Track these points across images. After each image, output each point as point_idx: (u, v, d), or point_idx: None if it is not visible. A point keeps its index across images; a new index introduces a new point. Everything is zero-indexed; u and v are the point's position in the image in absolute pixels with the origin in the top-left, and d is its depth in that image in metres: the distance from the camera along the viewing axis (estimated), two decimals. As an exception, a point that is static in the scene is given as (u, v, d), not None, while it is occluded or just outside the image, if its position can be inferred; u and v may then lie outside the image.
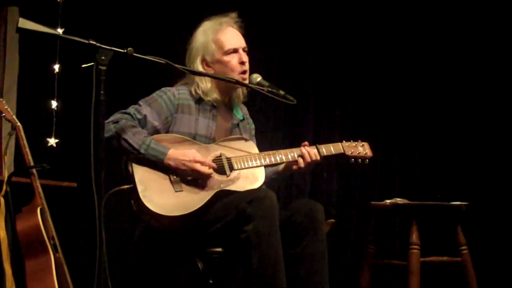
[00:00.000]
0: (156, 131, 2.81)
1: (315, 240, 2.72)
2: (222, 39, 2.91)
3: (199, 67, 2.89)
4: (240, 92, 2.99)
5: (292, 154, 2.88)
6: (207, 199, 2.69)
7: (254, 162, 2.82)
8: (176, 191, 2.68)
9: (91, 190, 2.05)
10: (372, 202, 3.94)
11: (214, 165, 2.75)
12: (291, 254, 2.71)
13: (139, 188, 2.63)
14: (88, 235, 2.14)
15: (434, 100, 5.07)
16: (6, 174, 3.00)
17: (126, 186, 2.68)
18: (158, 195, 2.64)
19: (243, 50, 2.93)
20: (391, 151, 5.02)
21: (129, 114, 2.77)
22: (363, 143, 3.08)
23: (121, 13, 4.12)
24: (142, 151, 2.67)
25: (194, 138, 2.84)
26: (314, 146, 2.92)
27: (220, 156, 2.82)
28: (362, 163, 3.06)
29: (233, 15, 2.98)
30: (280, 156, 2.88)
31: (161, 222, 2.66)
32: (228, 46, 2.90)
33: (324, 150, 2.94)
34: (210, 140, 2.87)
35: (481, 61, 4.99)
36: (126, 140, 2.67)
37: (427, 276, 3.81)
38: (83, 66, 2.30)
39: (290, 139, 4.55)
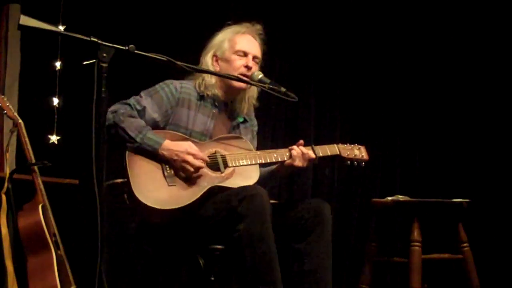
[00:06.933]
0: (155, 123, 2.82)
1: (321, 237, 2.74)
2: (237, 40, 2.96)
3: (209, 62, 2.95)
4: (247, 96, 2.99)
5: (287, 154, 2.88)
6: (199, 195, 2.69)
7: (249, 161, 2.82)
8: (169, 185, 2.69)
9: (92, 187, 2.05)
10: (374, 199, 3.94)
11: (206, 158, 2.75)
12: (297, 249, 2.73)
13: (132, 181, 2.64)
14: (90, 232, 2.14)
15: (435, 98, 5.07)
16: (7, 171, 3.00)
17: (120, 180, 2.69)
18: (151, 188, 2.65)
19: (254, 57, 2.96)
20: (392, 148, 5.02)
21: (128, 104, 2.79)
22: (360, 146, 3.07)
23: (122, 10, 4.12)
24: (138, 140, 2.68)
25: (190, 134, 2.85)
26: (310, 147, 2.91)
27: (215, 153, 2.82)
28: (358, 166, 3.06)
29: (258, 26, 3.03)
30: (275, 155, 2.88)
31: (154, 216, 2.66)
32: (239, 47, 2.94)
33: (320, 151, 2.94)
34: (206, 138, 2.87)
35: (482, 59, 4.99)
36: (123, 129, 2.69)
37: (429, 273, 3.81)
38: (84, 63, 2.30)
39: (291, 137, 4.55)
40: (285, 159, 2.87)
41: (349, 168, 4.79)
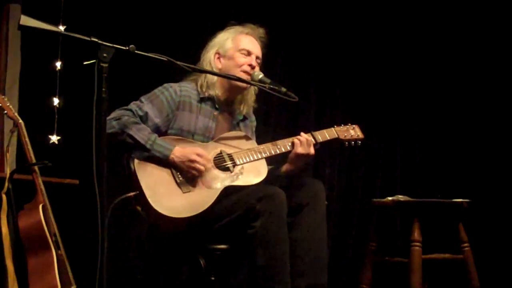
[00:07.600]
0: (157, 128, 2.82)
1: (314, 211, 2.76)
2: (241, 39, 2.98)
3: (211, 58, 2.96)
4: (246, 98, 3.01)
5: (290, 144, 2.91)
6: (215, 197, 2.70)
7: (255, 156, 2.84)
8: (184, 192, 2.69)
9: (93, 187, 2.05)
10: (374, 199, 3.94)
11: (211, 159, 2.76)
12: (289, 222, 2.72)
13: (147, 194, 2.63)
14: (90, 232, 2.14)
15: (435, 97, 5.07)
16: (8, 171, 3.00)
17: (131, 194, 2.68)
18: (167, 198, 2.65)
19: (256, 58, 2.98)
20: (392, 148, 5.02)
21: (130, 110, 2.79)
22: (354, 126, 3.15)
23: (122, 10, 4.12)
24: (148, 146, 2.68)
25: (192, 136, 2.85)
26: (310, 133, 2.95)
27: (221, 153, 2.82)
28: (355, 145, 3.13)
29: (261, 30, 3.05)
30: (279, 146, 2.90)
31: (172, 225, 2.66)
32: (243, 46, 2.97)
33: (319, 136, 2.99)
34: (208, 139, 2.88)
35: (483, 58, 4.99)
36: (131, 136, 2.68)
37: (429, 274, 3.81)
38: (85, 63, 2.30)
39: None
40: (288, 148, 2.91)
41: (349, 168, 4.86)
